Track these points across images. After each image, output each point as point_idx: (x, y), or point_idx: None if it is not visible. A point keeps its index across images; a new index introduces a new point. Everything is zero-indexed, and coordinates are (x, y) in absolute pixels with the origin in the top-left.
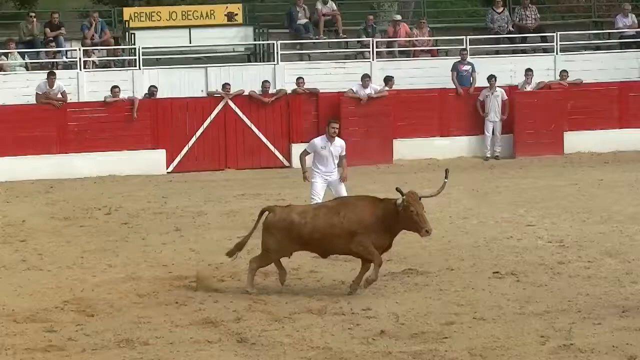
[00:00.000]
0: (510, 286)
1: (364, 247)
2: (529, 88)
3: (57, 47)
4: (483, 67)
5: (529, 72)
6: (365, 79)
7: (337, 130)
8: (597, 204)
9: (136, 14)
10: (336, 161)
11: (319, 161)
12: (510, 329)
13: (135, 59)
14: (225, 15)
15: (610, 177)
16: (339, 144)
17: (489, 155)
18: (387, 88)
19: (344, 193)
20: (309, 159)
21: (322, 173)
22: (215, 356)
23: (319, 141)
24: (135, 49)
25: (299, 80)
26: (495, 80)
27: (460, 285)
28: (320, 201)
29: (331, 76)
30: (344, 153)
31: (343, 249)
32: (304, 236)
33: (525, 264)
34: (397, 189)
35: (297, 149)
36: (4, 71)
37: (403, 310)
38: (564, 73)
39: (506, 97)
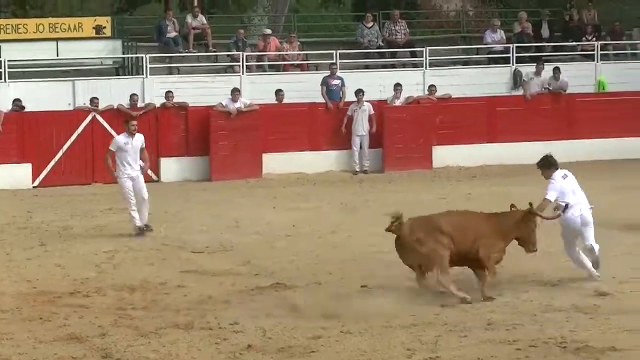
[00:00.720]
0: (377, 299)
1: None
2: (397, 102)
3: None
4: (353, 81)
5: (397, 86)
6: (235, 92)
7: (136, 128)
8: None
9: (2, 26)
10: (138, 156)
11: (123, 159)
12: (376, 342)
13: (1, 72)
14: (93, 28)
15: (478, 190)
16: (139, 138)
17: (357, 170)
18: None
19: (145, 189)
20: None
21: (127, 170)
22: None
23: (121, 138)
24: (0, 61)
25: (168, 94)
26: (363, 94)
27: (328, 299)
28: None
29: (201, 90)
30: (143, 146)
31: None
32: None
33: (393, 277)
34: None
35: (166, 163)
36: None
37: (270, 324)
38: (432, 88)
39: (373, 112)
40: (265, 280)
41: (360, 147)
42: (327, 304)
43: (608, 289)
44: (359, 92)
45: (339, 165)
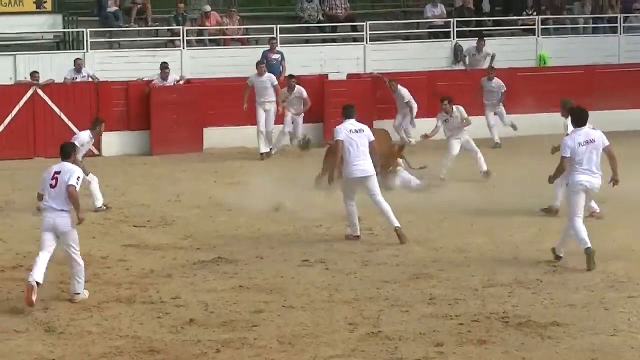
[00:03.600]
0: (319, 274)
1: None
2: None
3: None
4: (293, 56)
5: None
6: (165, 70)
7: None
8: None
9: None
10: None
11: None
12: (319, 317)
13: None
14: (33, 2)
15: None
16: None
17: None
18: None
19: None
20: None
21: None
22: (22, 346)
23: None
24: None
25: (34, 75)
26: (294, 79)
27: (270, 274)
28: None
29: (141, 64)
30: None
31: None
32: None
33: (335, 252)
34: None
35: (106, 137)
36: None
37: (212, 298)
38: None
39: (306, 95)
40: (206, 255)
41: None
42: (269, 278)
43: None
44: (291, 78)
45: (279, 139)
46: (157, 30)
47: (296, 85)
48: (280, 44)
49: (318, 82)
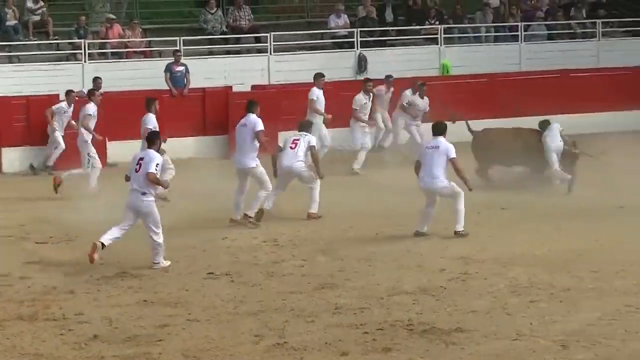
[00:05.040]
0: (224, 286)
1: None
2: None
3: None
4: (197, 68)
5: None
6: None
7: None
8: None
9: None
10: None
11: None
12: (224, 329)
13: None
14: None
15: None
16: None
17: None
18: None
19: None
20: None
21: None
22: None
23: None
24: None
25: None
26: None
27: (175, 287)
28: None
29: (42, 79)
30: None
31: None
32: None
33: (240, 264)
34: None
35: (7, 153)
36: None
37: (116, 313)
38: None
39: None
40: (110, 270)
41: None
42: (173, 291)
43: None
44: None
45: (196, 151)
46: (58, 43)
47: None
48: (184, 56)
49: (222, 94)
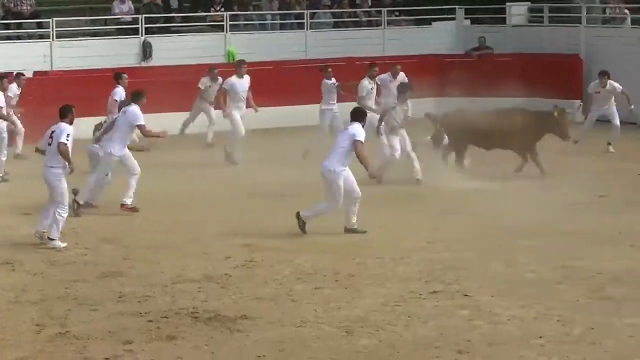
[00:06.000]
0: (6, 275)
1: None
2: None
3: None
4: None
5: None
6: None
7: None
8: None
9: None
10: None
11: None
12: (4, 319)
13: None
14: None
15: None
16: None
17: None
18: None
19: None
20: None
21: None
22: None
23: None
24: None
25: None
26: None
27: None
28: None
29: None
30: None
31: None
32: None
33: (22, 252)
34: None
35: None
36: None
37: None
38: None
39: None
40: None
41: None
42: None
43: None
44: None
45: None
46: None
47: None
48: None
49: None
